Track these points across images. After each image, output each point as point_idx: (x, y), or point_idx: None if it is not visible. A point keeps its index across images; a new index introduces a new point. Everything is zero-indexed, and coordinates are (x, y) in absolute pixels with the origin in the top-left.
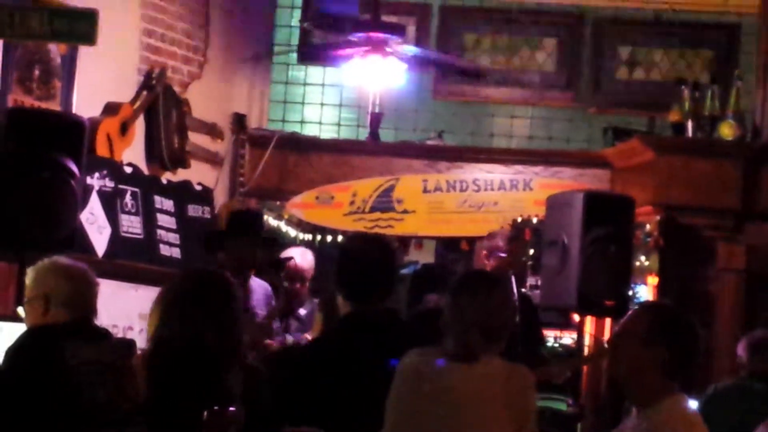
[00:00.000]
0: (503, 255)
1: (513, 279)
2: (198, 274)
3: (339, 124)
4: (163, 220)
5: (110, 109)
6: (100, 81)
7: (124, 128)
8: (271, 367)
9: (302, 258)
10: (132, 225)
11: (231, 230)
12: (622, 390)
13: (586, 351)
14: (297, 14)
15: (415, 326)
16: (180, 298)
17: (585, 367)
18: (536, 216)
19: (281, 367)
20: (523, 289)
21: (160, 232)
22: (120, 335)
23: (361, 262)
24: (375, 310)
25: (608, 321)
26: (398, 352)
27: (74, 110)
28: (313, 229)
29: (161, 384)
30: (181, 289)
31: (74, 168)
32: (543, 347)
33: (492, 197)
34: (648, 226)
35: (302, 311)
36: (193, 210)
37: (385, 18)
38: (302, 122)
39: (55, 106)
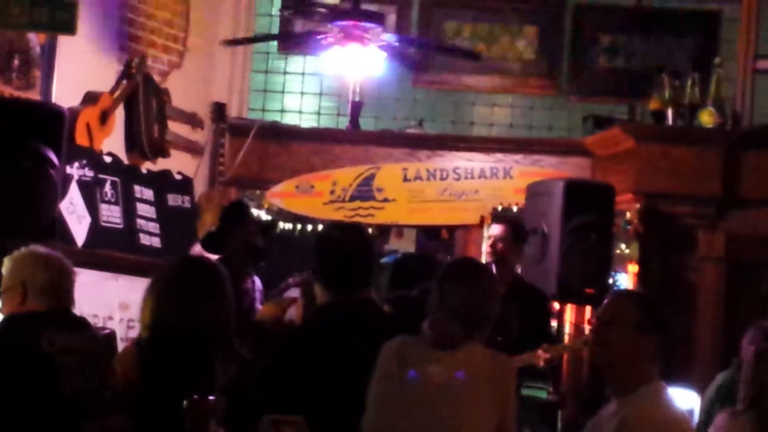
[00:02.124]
0: (490, 240)
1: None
2: (190, 261)
3: (319, 113)
4: (142, 209)
5: (90, 98)
6: (79, 70)
7: (104, 118)
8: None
9: None
10: (112, 214)
11: (230, 222)
12: (604, 377)
13: (566, 340)
14: (277, 3)
15: (395, 314)
16: (175, 285)
17: (565, 356)
18: (516, 204)
19: (261, 355)
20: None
21: (139, 221)
22: (100, 325)
23: (339, 252)
24: (353, 299)
25: (588, 309)
26: (377, 340)
27: (54, 100)
28: (294, 218)
29: (158, 372)
30: (176, 275)
31: (54, 157)
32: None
33: (472, 185)
34: (628, 214)
35: None
36: (173, 199)
37: (365, 7)
38: (282, 111)
39: (34, 95)
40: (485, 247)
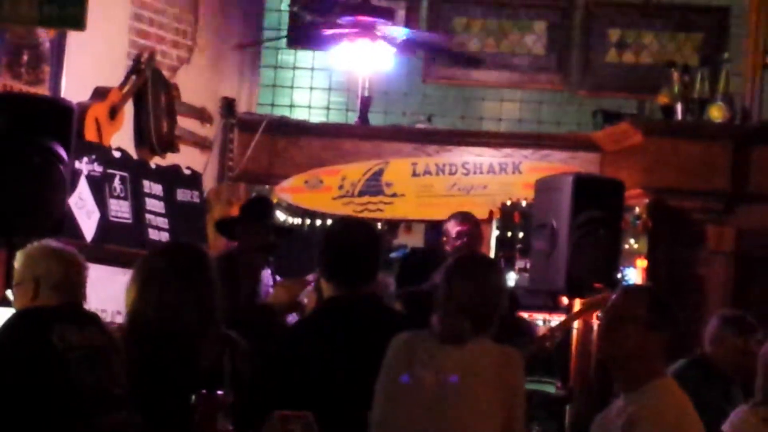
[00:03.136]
0: (462, 238)
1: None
2: (173, 247)
3: (328, 108)
4: (151, 204)
5: (99, 93)
6: (88, 65)
7: (113, 113)
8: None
9: None
10: (121, 209)
11: (246, 215)
12: (613, 373)
13: (574, 335)
14: None
15: (406, 310)
16: (156, 271)
17: (574, 351)
18: (525, 199)
19: (265, 348)
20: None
21: (148, 216)
22: (109, 320)
23: (344, 246)
24: (357, 294)
25: None
26: (378, 336)
27: (63, 95)
28: (303, 213)
29: (140, 360)
30: (157, 262)
31: (63, 153)
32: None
33: (481, 180)
34: (637, 209)
35: None
36: (182, 194)
37: (375, 2)
38: (291, 106)
39: (44, 90)
40: (453, 243)
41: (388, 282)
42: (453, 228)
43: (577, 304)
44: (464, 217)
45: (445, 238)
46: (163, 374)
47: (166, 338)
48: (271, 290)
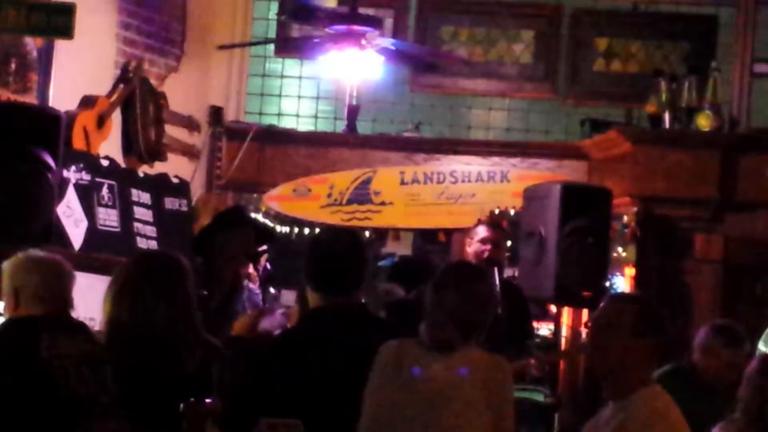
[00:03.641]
0: (486, 243)
1: (496, 271)
2: (148, 257)
3: (316, 117)
4: (140, 213)
5: (87, 102)
6: (76, 74)
7: (101, 121)
8: (243, 357)
9: None
10: (109, 218)
11: (219, 226)
12: (601, 381)
13: (563, 343)
14: (274, 7)
15: (389, 318)
16: (130, 281)
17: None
18: (514, 208)
19: (251, 358)
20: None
21: (137, 225)
22: (97, 329)
23: (330, 255)
24: (343, 302)
25: (585, 312)
26: (364, 345)
27: (51, 103)
28: (291, 221)
29: (121, 367)
30: (132, 271)
31: (51, 161)
32: (530, 340)
33: (469, 189)
34: (625, 218)
35: None
36: (170, 203)
37: (363, 10)
38: (279, 115)
39: (31, 99)
40: (474, 249)
41: (395, 291)
42: (482, 232)
43: (566, 312)
44: (495, 225)
45: (468, 239)
46: (144, 381)
47: (144, 345)
48: (259, 303)
